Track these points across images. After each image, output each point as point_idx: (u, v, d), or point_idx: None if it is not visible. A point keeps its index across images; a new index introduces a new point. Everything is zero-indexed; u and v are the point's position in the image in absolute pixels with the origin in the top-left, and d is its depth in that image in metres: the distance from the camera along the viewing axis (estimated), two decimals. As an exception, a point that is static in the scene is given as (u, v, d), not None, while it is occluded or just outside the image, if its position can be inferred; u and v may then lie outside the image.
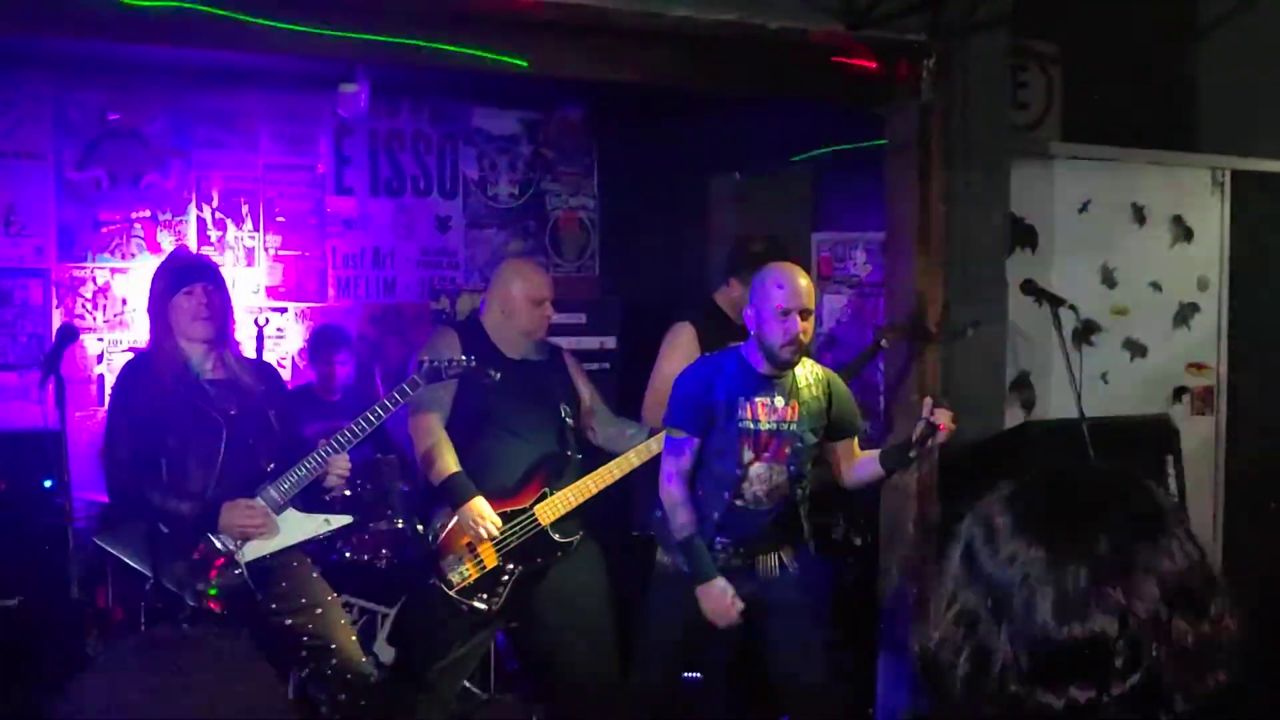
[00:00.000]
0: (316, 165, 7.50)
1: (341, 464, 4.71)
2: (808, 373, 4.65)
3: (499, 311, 5.17)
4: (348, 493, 5.65)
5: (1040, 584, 1.27)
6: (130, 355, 6.31)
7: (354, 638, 4.85)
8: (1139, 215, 6.35)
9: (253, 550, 4.61)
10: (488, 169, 7.93)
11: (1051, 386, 5.97)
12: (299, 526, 4.72)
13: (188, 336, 4.63)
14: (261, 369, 5.02)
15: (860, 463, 4.75)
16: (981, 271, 5.61)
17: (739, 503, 4.55)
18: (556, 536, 5.07)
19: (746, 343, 4.60)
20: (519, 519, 5.02)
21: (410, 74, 6.96)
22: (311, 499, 4.79)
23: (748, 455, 4.53)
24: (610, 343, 7.34)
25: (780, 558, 4.66)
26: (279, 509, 4.65)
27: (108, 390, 6.89)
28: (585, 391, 5.34)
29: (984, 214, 5.60)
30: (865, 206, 6.27)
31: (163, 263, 4.99)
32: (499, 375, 4.85)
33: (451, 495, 4.96)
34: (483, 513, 4.93)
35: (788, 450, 4.55)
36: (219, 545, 4.56)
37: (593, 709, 5.06)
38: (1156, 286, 6.41)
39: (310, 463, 4.66)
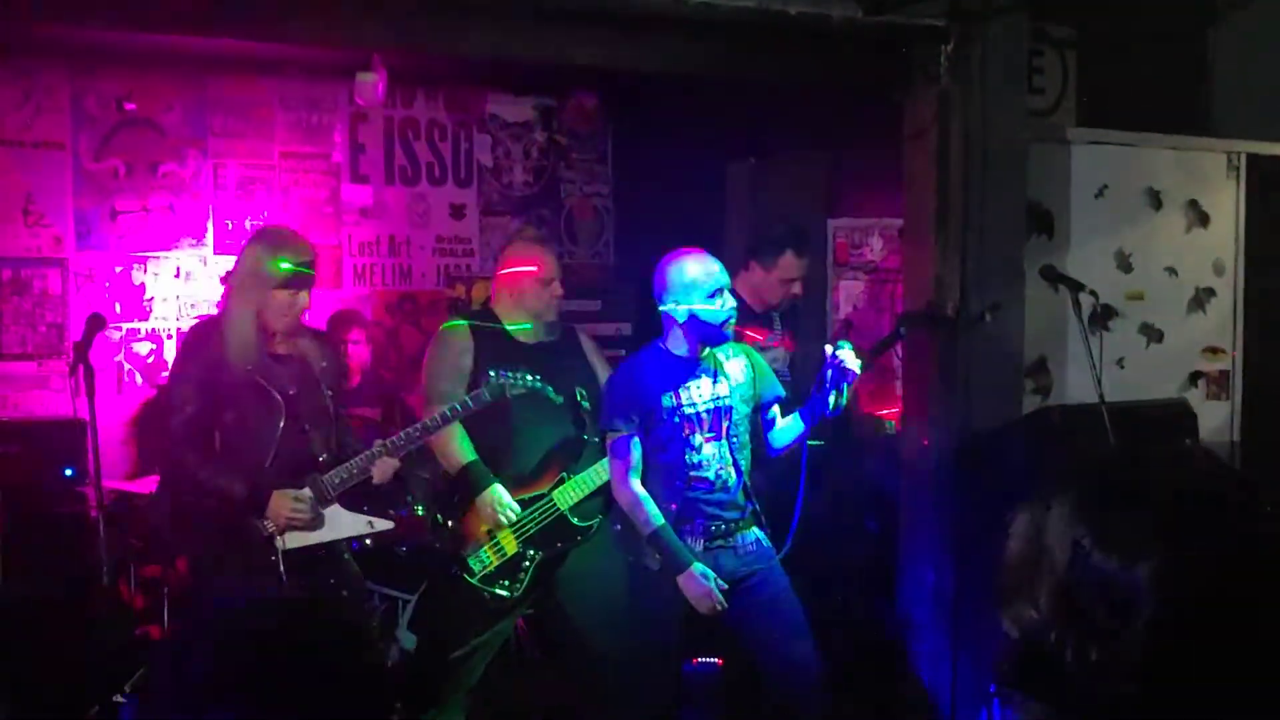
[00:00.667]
0: (332, 154, 7.51)
1: (391, 466, 4.72)
2: (725, 349, 4.72)
3: (508, 296, 5.18)
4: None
5: (1166, 581, 1.29)
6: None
7: (374, 623, 4.88)
8: (1155, 200, 6.34)
9: (293, 540, 4.59)
10: (502, 156, 7.95)
11: (1068, 372, 5.98)
12: (343, 524, 4.72)
13: (268, 322, 4.62)
14: (321, 342, 4.95)
15: (785, 425, 4.78)
16: (999, 257, 5.61)
17: (700, 487, 4.59)
18: (576, 521, 5.09)
19: (663, 337, 4.68)
20: (538, 504, 5.04)
21: (425, 62, 6.99)
22: (355, 496, 4.79)
23: (697, 439, 4.58)
24: (626, 329, 7.35)
25: (755, 534, 4.69)
26: (326, 503, 4.65)
27: (126, 379, 6.95)
28: (603, 374, 5.35)
29: (1001, 200, 5.59)
30: (881, 192, 6.27)
31: (271, 241, 4.74)
32: (561, 398, 4.93)
33: (469, 483, 4.97)
34: (500, 500, 4.95)
35: (727, 424, 4.62)
36: (262, 529, 4.55)
37: (614, 693, 5.08)
38: (1172, 271, 6.40)
39: (363, 461, 4.67)
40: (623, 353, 7.12)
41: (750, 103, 6.96)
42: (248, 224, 7.24)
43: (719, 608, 4.51)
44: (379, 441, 4.74)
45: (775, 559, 4.67)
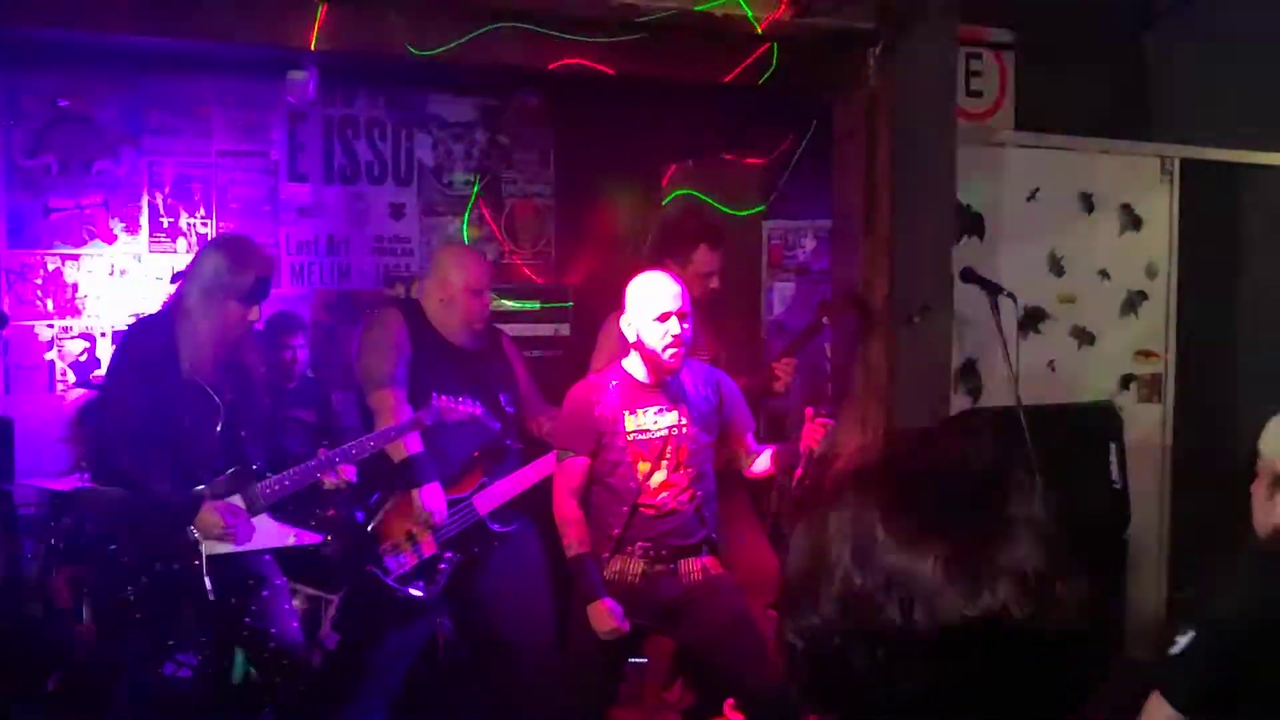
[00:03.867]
0: (270, 152, 7.47)
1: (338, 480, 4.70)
2: (694, 374, 4.70)
3: (437, 299, 5.15)
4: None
5: (941, 568, 1.28)
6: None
7: (296, 624, 4.85)
8: (1088, 203, 6.38)
9: (217, 547, 4.56)
10: (443, 156, 7.92)
11: (999, 374, 5.99)
12: (268, 535, 4.68)
13: (221, 331, 4.57)
14: (261, 346, 4.94)
15: (757, 459, 4.79)
16: (927, 259, 5.62)
17: (646, 511, 4.57)
18: (494, 526, 5.07)
19: (626, 358, 4.65)
20: (458, 507, 5.01)
21: (366, 61, 6.96)
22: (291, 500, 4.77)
23: (644, 466, 4.55)
24: (564, 330, 7.34)
25: (703, 562, 4.66)
26: (256, 512, 4.62)
27: (58, 376, 6.90)
28: (524, 378, 5.34)
29: (930, 202, 5.60)
30: (815, 194, 6.27)
31: (233, 253, 4.64)
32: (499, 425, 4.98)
33: (413, 474, 4.91)
34: (436, 499, 4.91)
35: (685, 454, 4.58)
36: (188, 536, 4.51)
37: (538, 693, 5.05)
38: (1105, 274, 6.44)
39: (303, 472, 4.64)
40: (559, 353, 7.15)
41: (690, 103, 6.95)
42: (184, 222, 7.19)
43: (617, 644, 4.51)
44: (321, 451, 4.71)
45: (727, 586, 4.65)
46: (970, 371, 5.98)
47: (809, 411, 4.59)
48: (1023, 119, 6.69)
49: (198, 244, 7.20)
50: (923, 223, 5.59)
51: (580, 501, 4.59)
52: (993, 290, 5.21)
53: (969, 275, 5.39)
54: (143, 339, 4.63)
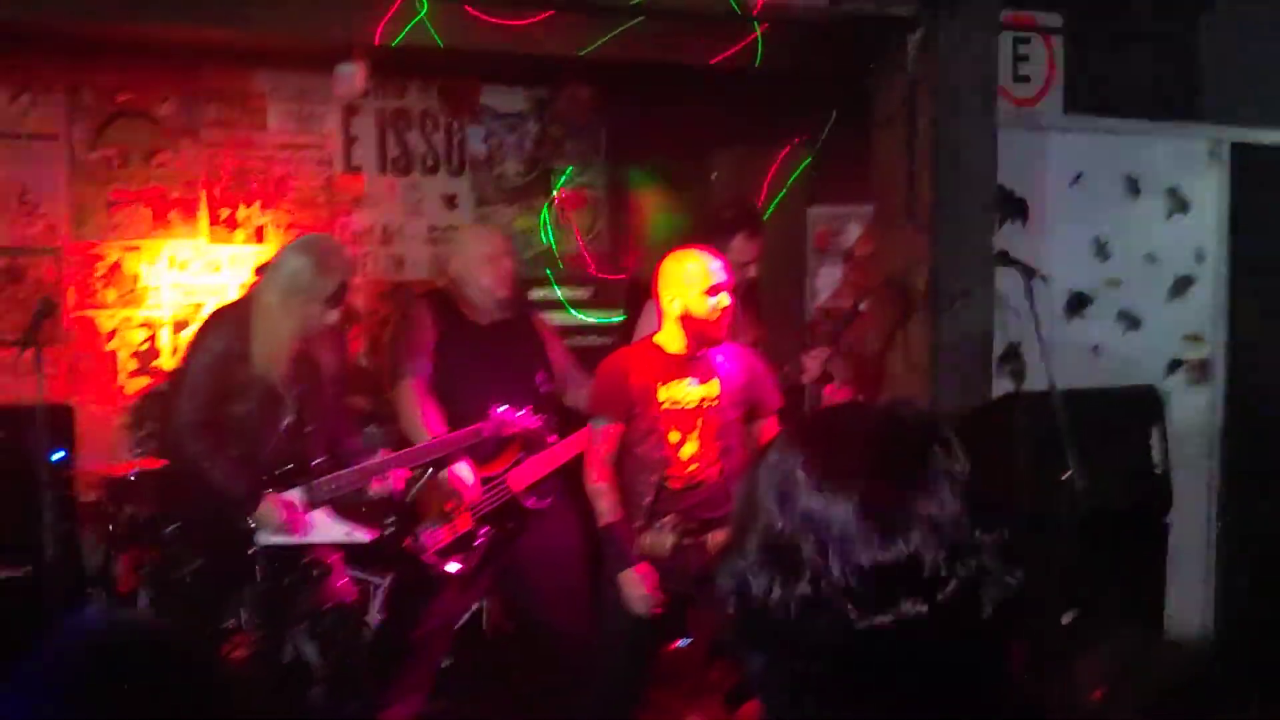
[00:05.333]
0: (325, 144, 7.59)
1: (391, 483, 4.79)
2: (726, 351, 4.76)
3: (459, 278, 5.24)
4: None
5: (857, 513, 1.34)
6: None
7: (349, 602, 4.93)
8: (1133, 187, 6.34)
9: (273, 539, 4.66)
10: (495, 147, 8.01)
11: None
12: (323, 530, 4.76)
13: (296, 333, 4.64)
14: (333, 340, 4.93)
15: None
16: (969, 244, 5.63)
17: (674, 484, 4.63)
18: (529, 502, 5.16)
19: (660, 331, 4.73)
20: (493, 484, 5.10)
21: (418, 54, 7.06)
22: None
23: (674, 435, 4.61)
24: (617, 317, 7.41)
25: None
26: (314, 507, 4.70)
27: (119, 366, 7.06)
28: (559, 356, 5.41)
29: (971, 187, 5.61)
30: (861, 181, 6.29)
31: (318, 256, 4.69)
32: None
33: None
34: (465, 478, 5.01)
35: (715, 427, 4.64)
36: (246, 525, 4.61)
37: (575, 671, 5.12)
38: (1152, 258, 6.41)
39: (360, 473, 4.73)
40: (613, 340, 7.22)
41: (737, 93, 6.99)
42: (241, 214, 7.33)
43: (653, 611, 4.56)
44: (382, 454, 4.80)
45: None
46: (1013, 356, 5.97)
47: (829, 389, 4.63)
48: (1071, 103, 6.66)
49: (254, 235, 7.34)
50: (964, 208, 5.60)
51: (612, 470, 4.66)
52: (1027, 273, 5.21)
53: (1002, 258, 5.39)
54: (218, 330, 4.71)
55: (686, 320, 4.61)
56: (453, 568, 5.06)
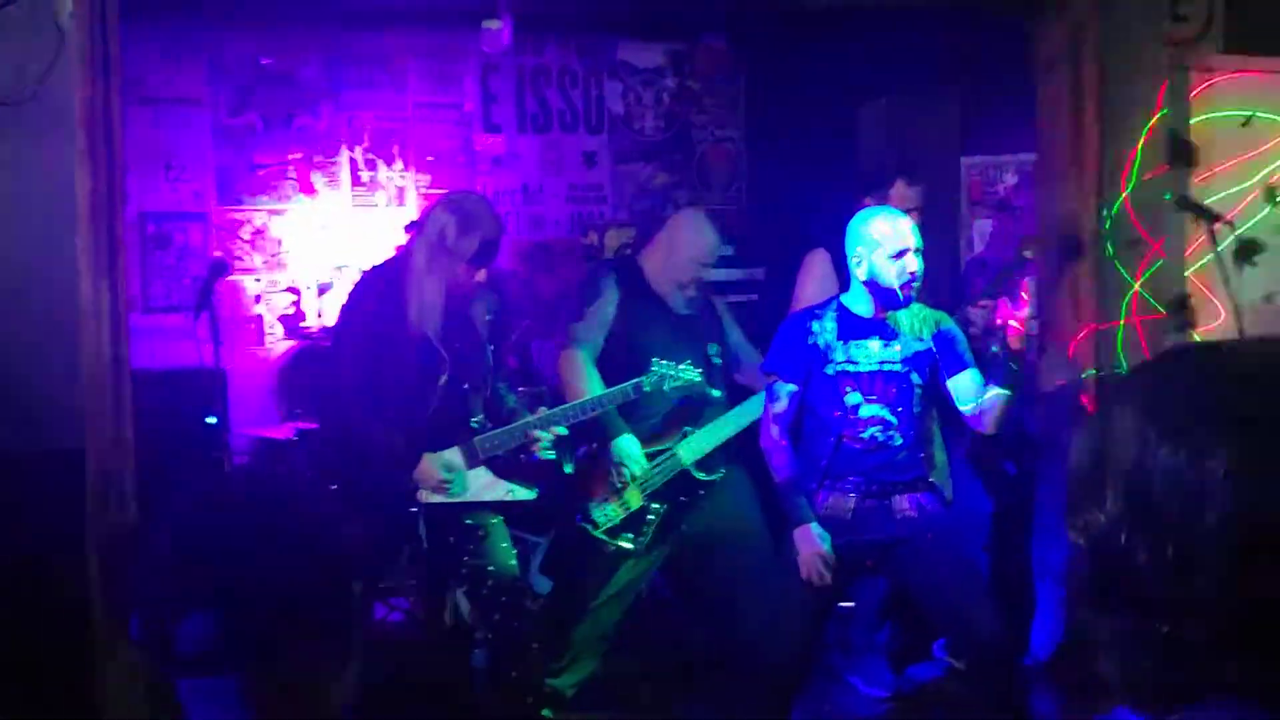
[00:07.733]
0: (464, 103, 7.56)
1: (549, 438, 4.73)
2: (912, 314, 4.61)
3: (662, 259, 5.18)
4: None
5: (1232, 468, 1.24)
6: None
7: (513, 562, 4.89)
8: (1304, 129, 6.10)
9: (434, 497, 4.64)
10: (633, 103, 7.92)
11: (1210, 308, 5.78)
12: (484, 489, 4.72)
13: (445, 291, 4.61)
14: (488, 298, 4.89)
15: (978, 402, 4.56)
16: (1138, 192, 5.44)
17: (854, 445, 4.51)
18: (699, 475, 5.09)
19: (847, 292, 4.61)
20: (662, 459, 5.05)
21: (556, 8, 7.00)
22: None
23: (853, 398, 4.50)
24: (759, 274, 7.30)
25: (917, 499, 4.59)
26: (473, 465, 4.67)
27: (266, 329, 7.10)
28: (733, 332, 5.36)
29: (1139, 133, 5.42)
30: (1015, 128, 6.12)
31: (464, 215, 4.64)
32: (719, 392, 5.00)
33: (602, 430, 4.99)
34: (630, 452, 4.96)
35: (895, 391, 4.52)
36: (407, 485, 4.59)
37: (750, 641, 5.04)
38: (1325, 203, 6.16)
39: (516, 432, 4.69)
40: (755, 297, 7.12)
41: (882, 41, 6.84)
42: (382, 175, 7.32)
43: (822, 578, 4.45)
44: (541, 410, 4.75)
45: (944, 526, 4.59)
46: (1180, 306, 5.77)
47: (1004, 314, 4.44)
48: (1231, 42, 6.41)
49: (396, 196, 7.33)
50: (1131, 155, 5.41)
51: (788, 430, 4.57)
52: (1210, 218, 5.01)
53: (1184, 203, 5.19)
54: (372, 290, 4.69)
55: (871, 283, 4.48)
56: (625, 545, 5.01)
